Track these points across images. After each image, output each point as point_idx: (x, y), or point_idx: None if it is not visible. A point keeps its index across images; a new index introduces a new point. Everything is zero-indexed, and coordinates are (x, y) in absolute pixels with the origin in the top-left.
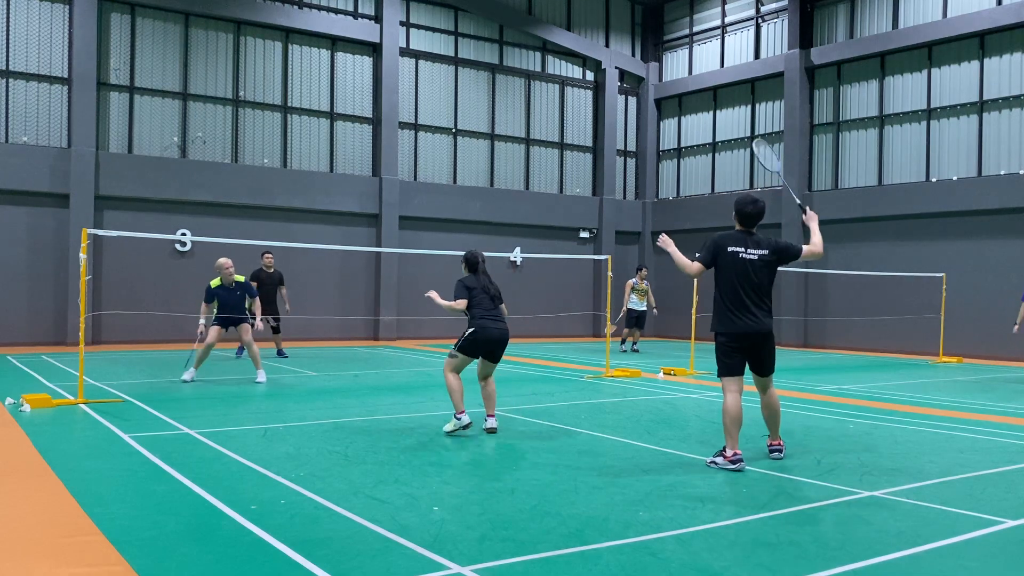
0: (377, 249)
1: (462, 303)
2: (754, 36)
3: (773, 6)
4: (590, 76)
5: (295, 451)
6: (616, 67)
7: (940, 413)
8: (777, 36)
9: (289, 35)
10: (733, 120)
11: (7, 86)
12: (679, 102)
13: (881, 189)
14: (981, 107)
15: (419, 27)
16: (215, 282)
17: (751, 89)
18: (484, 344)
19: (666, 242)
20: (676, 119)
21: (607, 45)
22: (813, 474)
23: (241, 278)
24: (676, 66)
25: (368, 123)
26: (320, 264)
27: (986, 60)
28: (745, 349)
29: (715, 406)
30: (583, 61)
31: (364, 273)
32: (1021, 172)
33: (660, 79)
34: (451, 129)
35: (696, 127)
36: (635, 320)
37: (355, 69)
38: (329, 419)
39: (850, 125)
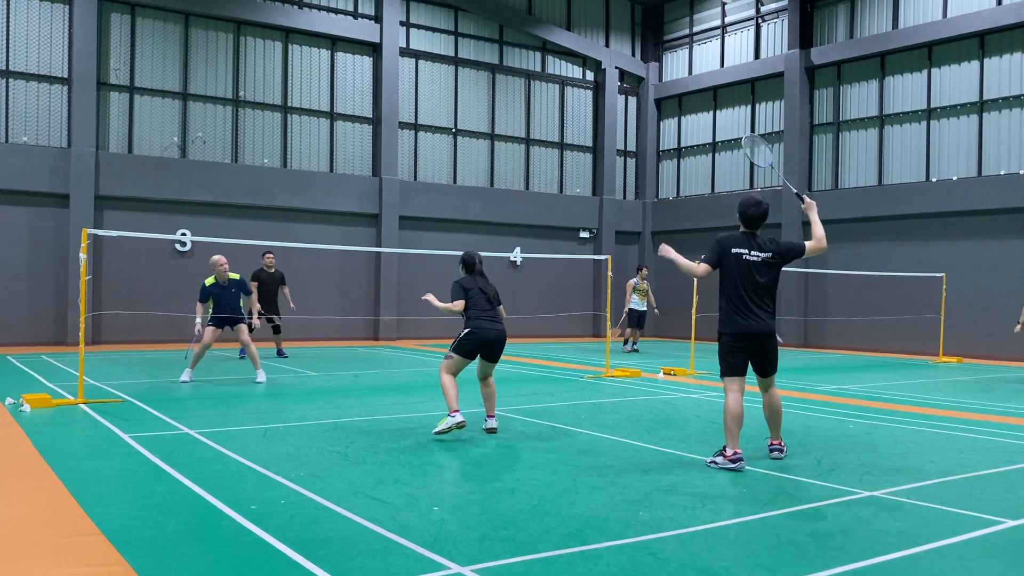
0: (377, 249)
1: (459, 304)
2: (754, 36)
3: (773, 6)
4: (590, 76)
5: (295, 451)
6: (616, 67)
7: (940, 413)
8: (777, 36)
9: (289, 35)
10: (733, 120)
11: (7, 86)
12: (679, 102)
13: (881, 189)
14: (981, 107)
15: (419, 27)
16: (210, 280)
17: (751, 89)
18: (481, 345)
19: (666, 250)
20: (676, 119)
21: (607, 45)
22: (813, 474)
23: (236, 276)
24: (676, 66)
25: (368, 123)
26: (320, 264)
27: (986, 60)
28: (748, 349)
29: (715, 406)
30: (583, 61)
31: (364, 273)
32: (1021, 172)
33: (660, 79)
34: (451, 129)
35: (696, 127)
36: (636, 320)
37: (355, 69)
38: (329, 419)
39: (850, 125)
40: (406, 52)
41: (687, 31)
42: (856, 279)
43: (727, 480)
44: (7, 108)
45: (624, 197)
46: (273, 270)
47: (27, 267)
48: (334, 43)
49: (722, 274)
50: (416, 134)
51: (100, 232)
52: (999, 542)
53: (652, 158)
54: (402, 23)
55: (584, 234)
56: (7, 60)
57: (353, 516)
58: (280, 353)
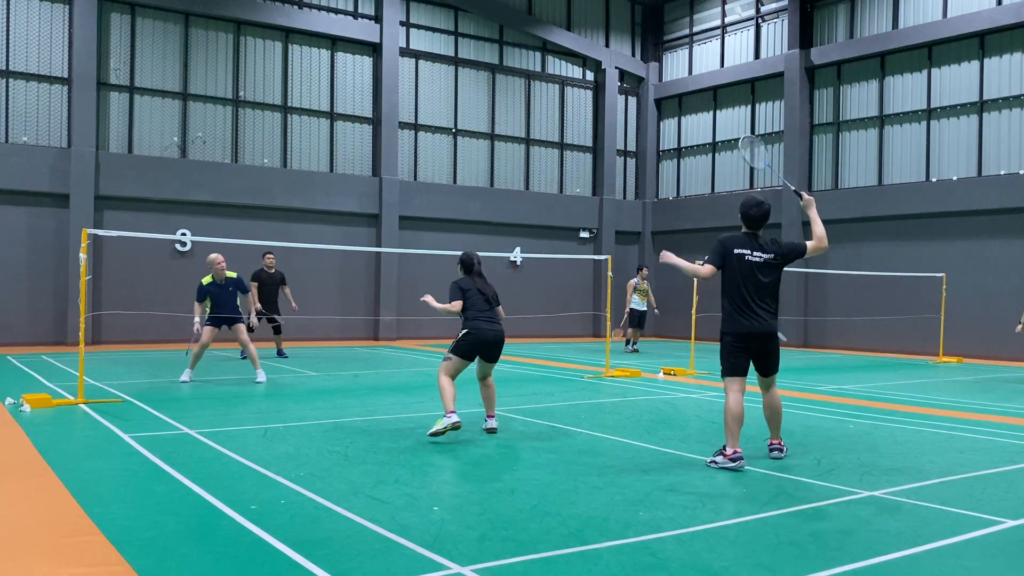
0: (377, 249)
1: (456, 305)
2: (754, 36)
3: (773, 6)
4: (590, 76)
5: (295, 451)
6: (616, 67)
7: (940, 413)
8: (777, 36)
9: (289, 35)
10: (733, 120)
11: (7, 86)
12: (679, 102)
13: (881, 189)
14: (981, 107)
15: (419, 27)
16: (207, 279)
17: (751, 89)
18: (479, 346)
19: (668, 256)
20: (676, 119)
21: (607, 45)
22: (813, 474)
23: (233, 274)
24: (676, 66)
25: (368, 123)
26: (320, 264)
27: (986, 60)
28: (750, 350)
29: (715, 406)
30: (583, 61)
31: (364, 273)
32: (1021, 172)
33: (660, 79)
34: (451, 129)
35: (696, 127)
36: (636, 320)
37: (355, 69)
38: (329, 419)
39: (850, 125)
40: (406, 52)
41: (687, 31)
42: (856, 279)
43: (727, 480)
44: (7, 108)
45: (624, 197)
46: (273, 271)
47: (27, 267)
48: (334, 43)
49: (724, 275)
50: (416, 134)
51: (100, 232)
52: (999, 542)
53: (652, 158)
54: (402, 23)
55: (584, 234)
56: (7, 60)
57: (353, 516)
58: (280, 353)
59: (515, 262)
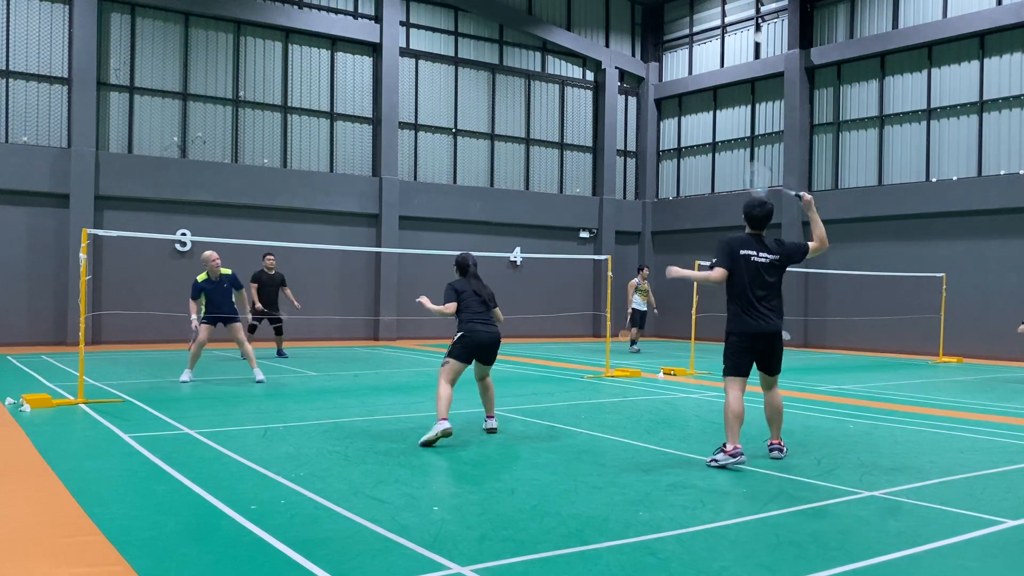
0: (377, 249)
1: (450, 307)
2: (754, 36)
3: (773, 6)
4: (590, 76)
5: (295, 451)
6: (616, 67)
7: (940, 413)
8: (777, 36)
9: (289, 35)
10: (733, 120)
11: (7, 86)
12: (679, 102)
13: (881, 189)
14: (981, 107)
15: (419, 27)
16: (201, 276)
17: (751, 89)
18: (474, 348)
19: (675, 271)
20: (676, 119)
21: (607, 45)
22: (813, 474)
23: (228, 271)
24: (676, 66)
25: (368, 123)
26: (320, 264)
27: (986, 60)
28: (755, 350)
29: (715, 406)
30: (583, 61)
31: (364, 273)
32: (1021, 172)
33: (660, 79)
34: (451, 129)
35: (696, 127)
36: (637, 320)
37: (355, 69)
38: (329, 419)
39: (850, 125)
40: (406, 52)
41: (687, 31)
42: (856, 279)
43: (727, 480)
44: (7, 108)
45: (624, 197)
46: (273, 272)
47: (27, 267)
48: (334, 43)
49: (731, 276)
50: (416, 134)
51: (100, 232)
52: (999, 542)
53: (652, 158)
54: (402, 23)
55: (584, 234)
56: (7, 60)
57: (353, 516)
58: (280, 353)
59: (515, 262)
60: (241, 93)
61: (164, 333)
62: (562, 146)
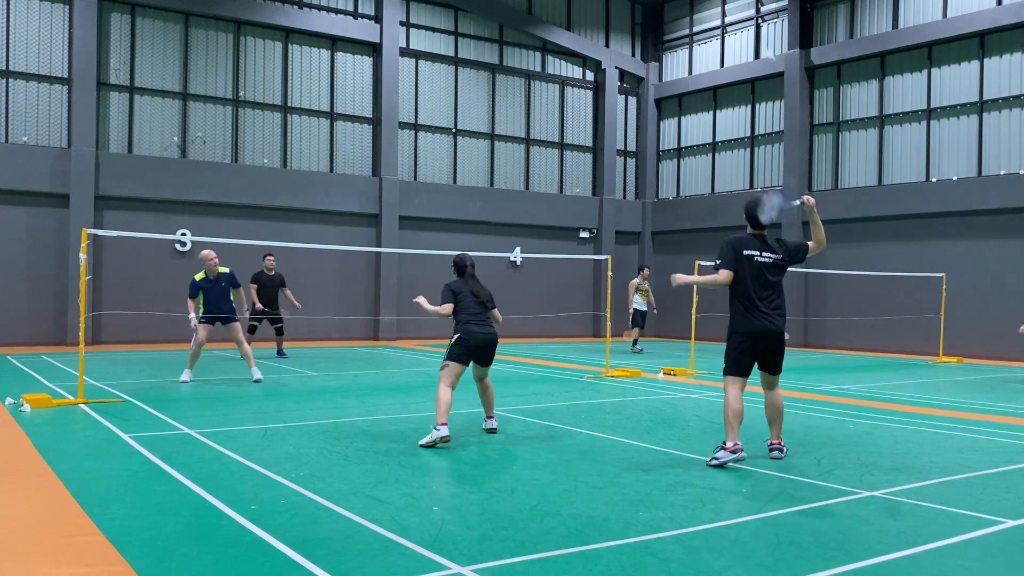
0: (377, 249)
1: (447, 308)
2: (754, 36)
3: (773, 6)
4: (590, 76)
5: (295, 451)
6: (616, 67)
7: (940, 413)
8: (777, 36)
9: (289, 35)
10: (733, 120)
11: (7, 86)
12: (679, 102)
13: (881, 189)
14: (981, 107)
15: (419, 27)
16: (199, 275)
17: (751, 89)
18: (472, 349)
19: (679, 278)
20: (676, 119)
21: (607, 45)
22: (813, 474)
23: (225, 269)
24: (676, 66)
25: (368, 123)
26: (320, 264)
27: (986, 60)
28: (758, 349)
29: (715, 406)
30: (583, 61)
31: (364, 273)
32: (1021, 172)
33: (660, 79)
34: (451, 129)
35: (696, 127)
36: (639, 320)
37: (355, 69)
38: (329, 419)
39: (850, 125)
40: (406, 52)
41: (687, 31)
42: (856, 279)
43: (727, 480)
44: (7, 108)
45: (624, 197)
46: (273, 272)
47: (27, 267)
48: (334, 43)
49: (734, 276)
50: (416, 134)
51: (100, 232)
52: (999, 542)
53: (652, 158)
54: (402, 23)
55: (584, 234)
56: (7, 60)
57: (353, 516)
58: (280, 353)
59: (515, 262)
60: (241, 93)
61: (164, 333)
62: (562, 146)
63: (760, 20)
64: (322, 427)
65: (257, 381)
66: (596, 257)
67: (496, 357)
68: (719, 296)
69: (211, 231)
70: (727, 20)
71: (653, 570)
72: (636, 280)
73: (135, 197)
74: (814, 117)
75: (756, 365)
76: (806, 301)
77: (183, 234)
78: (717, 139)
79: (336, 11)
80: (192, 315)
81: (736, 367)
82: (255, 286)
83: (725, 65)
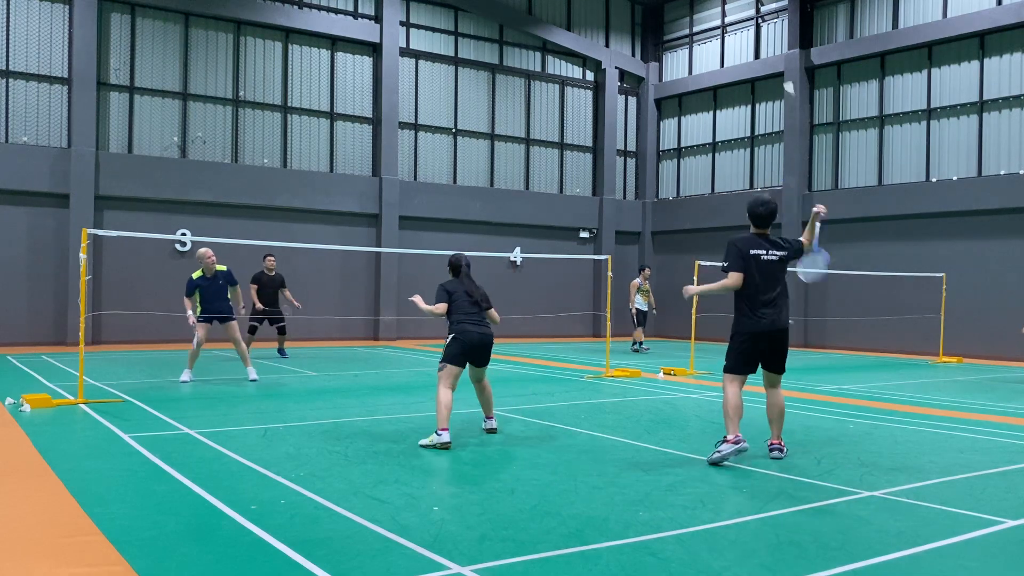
0: (377, 249)
1: (441, 307)
2: (754, 36)
3: (773, 6)
4: (590, 76)
5: (295, 451)
6: (616, 67)
7: (940, 413)
8: (777, 36)
9: (289, 35)
10: (733, 120)
11: (7, 86)
12: (679, 102)
13: (881, 189)
14: (981, 107)
15: (419, 27)
16: (196, 273)
17: (751, 89)
18: (467, 349)
19: (691, 289)
20: (676, 119)
21: (607, 45)
22: (813, 474)
23: (223, 267)
24: (676, 66)
25: (368, 123)
26: (320, 264)
27: (986, 60)
28: (760, 348)
29: (715, 406)
30: (583, 61)
31: (364, 273)
32: (1021, 172)
33: (660, 79)
34: (451, 129)
35: (696, 127)
36: (642, 320)
37: (355, 69)
38: (329, 419)
39: (850, 125)
40: (406, 52)
41: (687, 31)
42: (856, 279)
43: (727, 480)
44: (7, 108)
45: (624, 197)
46: (273, 273)
47: (27, 267)
48: (334, 43)
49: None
50: (416, 134)
51: (100, 232)
52: (999, 542)
53: (652, 158)
54: (402, 23)
55: (584, 234)
56: (7, 60)
57: (353, 516)
58: (281, 352)
59: (515, 262)
60: (241, 93)
61: (164, 333)
62: (562, 146)
63: (760, 20)
64: (322, 427)
65: (253, 380)
66: (596, 257)
67: (496, 357)
68: (720, 296)
69: (211, 231)
70: (727, 20)
71: (653, 570)
72: (638, 280)
73: (135, 197)
74: (814, 117)
75: (760, 365)
76: (806, 301)
77: (183, 234)
78: (717, 139)
79: (336, 11)
80: (190, 313)
81: (736, 366)
82: (255, 286)
83: (725, 65)
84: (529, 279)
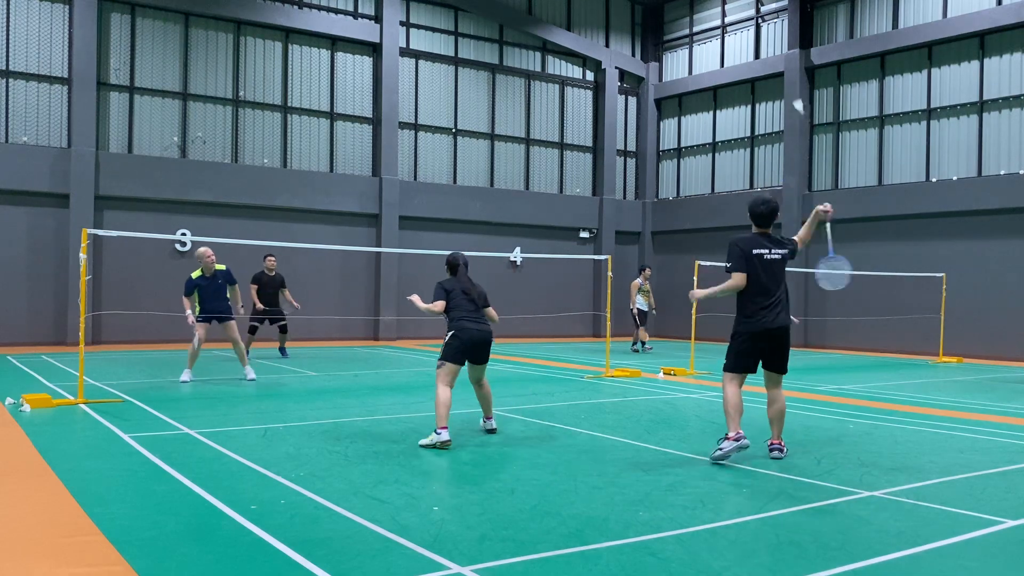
0: (377, 249)
1: (439, 306)
2: (754, 36)
3: (773, 6)
4: (590, 76)
5: (295, 451)
6: (616, 67)
7: (940, 413)
8: (777, 36)
9: (289, 35)
10: (733, 120)
11: (7, 86)
12: (679, 102)
13: (881, 189)
14: (981, 107)
15: (419, 27)
16: (196, 273)
17: (751, 89)
18: (467, 346)
19: (697, 293)
20: (676, 119)
21: (607, 45)
22: (813, 474)
23: (222, 267)
24: (676, 66)
25: (368, 123)
26: (320, 264)
27: (986, 60)
28: (760, 348)
29: (715, 406)
30: (583, 61)
31: (364, 273)
32: (1021, 172)
33: (660, 79)
34: (451, 129)
35: (696, 127)
36: (643, 320)
37: (355, 69)
38: (329, 419)
39: (850, 125)
40: (406, 52)
41: (687, 31)
42: (856, 279)
43: (727, 480)
44: (7, 108)
45: (624, 197)
46: (274, 273)
47: (27, 267)
48: (334, 43)
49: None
50: (416, 134)
51: (100, 232)
52: (999, 542)
53: (652, 158)
54: (402, 23)
55: (584, 234)
56: (7, 60)
57: (353, 516)
58: (282, 351)
59: (515, 262)
60: (241, 93)
61: (164, 333)
62: (562, 146)
63: (760, 20)
64: (322, 427)
65: (250, 380)
66: (596, 257)
67: (495, 357)
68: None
69: (211, 231)
70: (727, 20)
71: (653, 570)
72: (638, 280)
73: (135, 197)
74: (814, 117)
75: (761, 364)
76: (806, 301)
77: (183, 234)
78: (717, 139)
79: (336, 11)
80: (189, 312)
81: (736, 365)
82: (255, 287)
83: (725, 65)
84: (529, 279)
